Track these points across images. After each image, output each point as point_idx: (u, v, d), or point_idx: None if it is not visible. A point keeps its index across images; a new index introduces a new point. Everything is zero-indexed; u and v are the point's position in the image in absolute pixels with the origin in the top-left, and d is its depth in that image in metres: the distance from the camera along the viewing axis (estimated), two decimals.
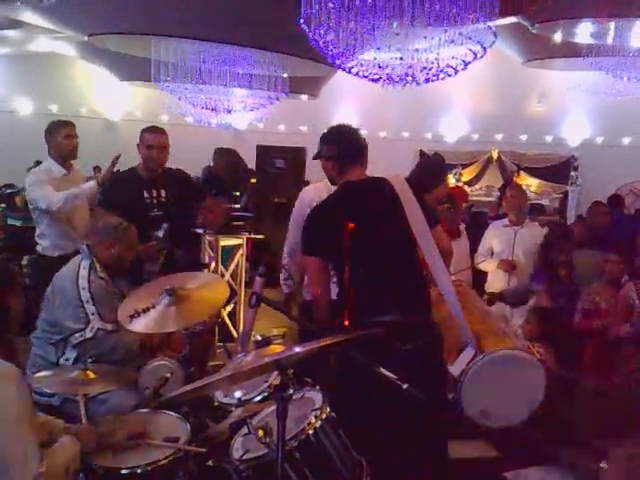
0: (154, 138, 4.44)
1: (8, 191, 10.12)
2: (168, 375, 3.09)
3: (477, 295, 3.32)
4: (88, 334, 3.36)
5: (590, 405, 3.49)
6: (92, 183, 4.75)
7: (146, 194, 4.40)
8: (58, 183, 4.76)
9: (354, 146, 3.06)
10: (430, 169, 3.99)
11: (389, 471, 2.56)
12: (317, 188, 3.94)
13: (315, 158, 3.17)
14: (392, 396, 2.25)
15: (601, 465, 3.75)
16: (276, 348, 1.80)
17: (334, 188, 3.13)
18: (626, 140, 15.39)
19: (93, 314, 3.37)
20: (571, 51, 10.55)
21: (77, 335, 3.37)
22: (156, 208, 4.42)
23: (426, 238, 2.74)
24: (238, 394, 2.47)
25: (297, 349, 1.71)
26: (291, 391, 1.75)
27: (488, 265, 5.52)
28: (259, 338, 2.25)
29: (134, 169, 4.54)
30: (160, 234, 4.29)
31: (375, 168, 3.19)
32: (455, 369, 2.49)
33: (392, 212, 2.80)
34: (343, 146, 3.04)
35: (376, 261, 2.86)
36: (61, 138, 4.80)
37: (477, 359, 2.54)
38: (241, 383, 2.46)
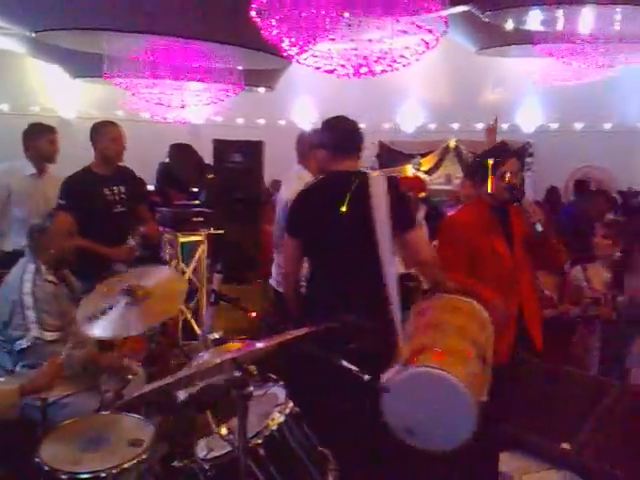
0: (116, 131, 4.38)
1: None
2: (130, 377, 3.05)
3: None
4: (24, 343, 3.21)
5: (545, 389, 3.55)
6: None
7: (107, 191, 4.33)
8: (25, 183, 4.67)
9: (347, 138, 3.05)
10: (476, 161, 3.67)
11: (355, 463, 2.58)
12: (294, 190, 3.93)
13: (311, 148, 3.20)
14: (354, 388, 2.26)
15: (564, 445, 3.84)
16: (234, 346, 1.78)
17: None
18: (579, 126, 15.70)
19: (32, 322, 3.21)
20: (522, 38, 10.68)
21: (17, 343, 3.23)
22: (119, 205, 4.36)
23: (385, 241, 2.73)
24: None
25: (254, 346, 1.70)
26: (251, 388, 1.74)
27: None
28: (216, 336, 2.23)
29: (89, 168, 4.45)
30: (133, 242, 4.25)
31: None
32: (384, 377, 2.31)
33: (359, 210, 2.78)
34: (337, 136, 3.06)
35: (332, 258, 2.89)
36: (44, 142, 4.69)
37: (397, 371, 2.35)
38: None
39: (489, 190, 3.15)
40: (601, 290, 4.49)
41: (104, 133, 4.36)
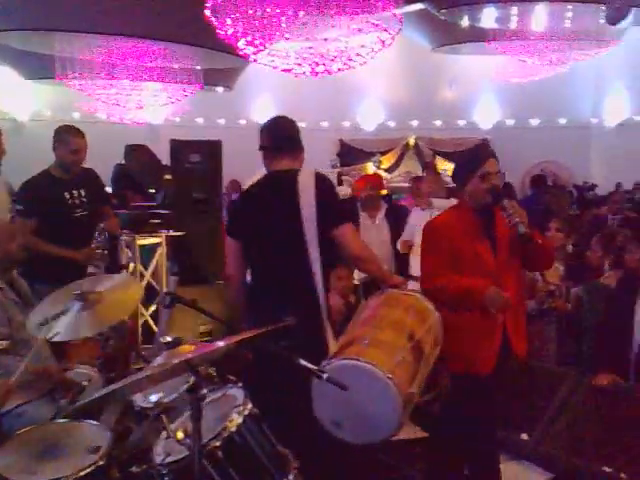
0: (79, 142, 4.25)
1: None
2: (85, 383, 3.00)
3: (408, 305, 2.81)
4: None
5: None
6: None
7: (67, 195, 4.23)
8: None
9: (278, 137, 3.06)
10: (459, 161, 3.50)
11: (316, 463, 2.58)
12: None
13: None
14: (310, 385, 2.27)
15: (523, 436, 3.91)
16: (187, 348, 1.76)
17: None
18: (534, 122, 15.98)
19: None
20: (477, 36, 10.84)
21: None
22: (79, 208, 4.27)
23: (312, 239, 2.74)
24: (154, 397, 2.43)
25: (208, 348, 1.68)
26: (204, 391, 1.73)
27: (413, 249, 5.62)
28: (169, 339, 2.21)
29: (48, 171, 4.34)
30: (99, 239, 4.19)
31: None
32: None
33: (289, 209, 2.81)
34: (270, 137, 3.07)
35: (263, 258, 2.92)
36: None
37: (324, 363, 2.32)
38: (160, 385, 2.42)
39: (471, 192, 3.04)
40: (555, 282, 4.59)
41: (66, 142, 4.24)
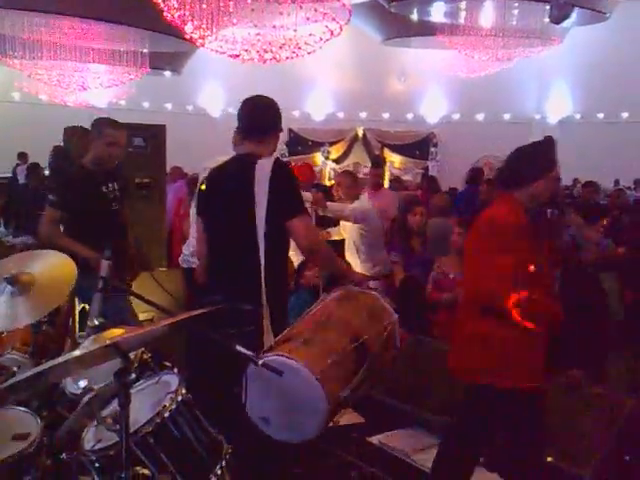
0: (118, 135, 3.95)
1: None
2: (15, 369, 2.90)
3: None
4: None
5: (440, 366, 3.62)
6: None
7: (104, 189, 4.00)
8: None
9: (246, 120, 2.96)
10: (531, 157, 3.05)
11: (251, 448, 2.57)
12: None
13: None
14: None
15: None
16: (116, 332, 1.73)
17: None
18: (479, 116, 16.28)
19: None
20: (426, 30, 10.96)
21: None
22: (114, 202, 4.05)
23: (261, 227, 2.69)
24: (82, 383, 2.37)
25: (137, 331, 1.65)
26: (133, 376, 1.70)
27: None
28: (96, 322, 2.16)
29: (83, 165, 4.05)
30: (109, 253, 3.98)
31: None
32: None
33: (243, 194, 2.74)
34: (239, 118, 2.97)
35: (217, 240, 2.88)
36: None
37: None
38: (95, 371, 2.36)
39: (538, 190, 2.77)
40: None
41: (101, 134, 3.93)
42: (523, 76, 15.00)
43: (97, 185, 4.00)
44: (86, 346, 1.64)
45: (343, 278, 2.90)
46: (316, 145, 16.67)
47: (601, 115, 15.39)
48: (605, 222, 5.76)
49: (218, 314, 2.06)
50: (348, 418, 3.84)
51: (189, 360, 2.90)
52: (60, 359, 1.58)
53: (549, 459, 3.17)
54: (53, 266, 2.72)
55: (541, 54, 12.17)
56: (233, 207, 2.80)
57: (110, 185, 4.05)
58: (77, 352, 1.57)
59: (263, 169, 2.73)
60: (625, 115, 15.22)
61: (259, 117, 2.96)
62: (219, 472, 2.29)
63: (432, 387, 4.03)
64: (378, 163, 7.54)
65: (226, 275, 2.82)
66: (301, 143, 16.54)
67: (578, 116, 15.63)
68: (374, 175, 6.58)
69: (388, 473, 3.43)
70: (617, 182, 13.45)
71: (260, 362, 2.06)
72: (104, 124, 4.02)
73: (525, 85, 15.73)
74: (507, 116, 16.10)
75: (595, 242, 5.21)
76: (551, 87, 15.95)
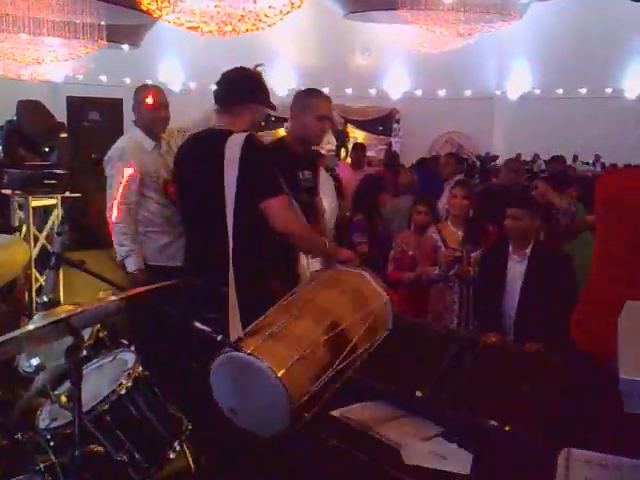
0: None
1: None
2: None
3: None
4: None
5: (401, 340, 3.64)
6: None
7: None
8: None
9: (221, 89, 2.79)
10: None
11: (210, 424, 2.56)
12: None
13: None
14: (207, 350, 2.22)
15: (417, 393, 4.03)
16: (66, 308, 1.68)
17: None
18: (441, 93, 16.33)
19: None
20: (387, 4, 10.90)
21: None
22: None
23: (230, 207, 2.55)
24: (35, 361, 2.32)
25: (86, 307, 1.61)
26: (84, 353, 1.66)
27: None
28: (45, 299, 2.10)
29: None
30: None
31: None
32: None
33: (212, 174, 2.62)
34: (216, 89, 2.79)
35: (188, 219, 2.82)
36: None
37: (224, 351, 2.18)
38: (49, 348, 2.31)
39: None
40: (456, 247, 4.69)
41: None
42: (484, 53, 15.07)
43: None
44: (35, 321, 1.60)
45: (328, 260, 2.71)
46: (279, 120, 16.53)
47: (560, 91, 15.57)
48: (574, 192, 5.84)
49: (192, 296, 2.01)
50: None
51: (146, 337, 2.86)
52: (7, 335, 1.54)
53: (507, 428, 3.27)
54: (3, 247, 2.66)
55: (501, 30, 12.23)
56: (202, 186, 2.68)
57: None
58: (28, 327, 1.53)
59: (233, 146, 2.57)
60: (584, 91, 15.43)
61: (234, 85, 2.78)
62: (177, 448, 2.28)
63: (399, 362, 4.07)
64: (362, 144, 7.89)
65: (198, 256, 2.76)
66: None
67: (538, 92, 15.78)
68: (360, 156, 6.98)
69: (350, 445, 3.46)
70: (575, 158, 13.65)
71: (219, 337, 2.03)
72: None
73: (486, 62, 15.81)
74: (468, 92, 16.18)
75: (564, 210, 5.27)
76: (511, 63, 16.06)
